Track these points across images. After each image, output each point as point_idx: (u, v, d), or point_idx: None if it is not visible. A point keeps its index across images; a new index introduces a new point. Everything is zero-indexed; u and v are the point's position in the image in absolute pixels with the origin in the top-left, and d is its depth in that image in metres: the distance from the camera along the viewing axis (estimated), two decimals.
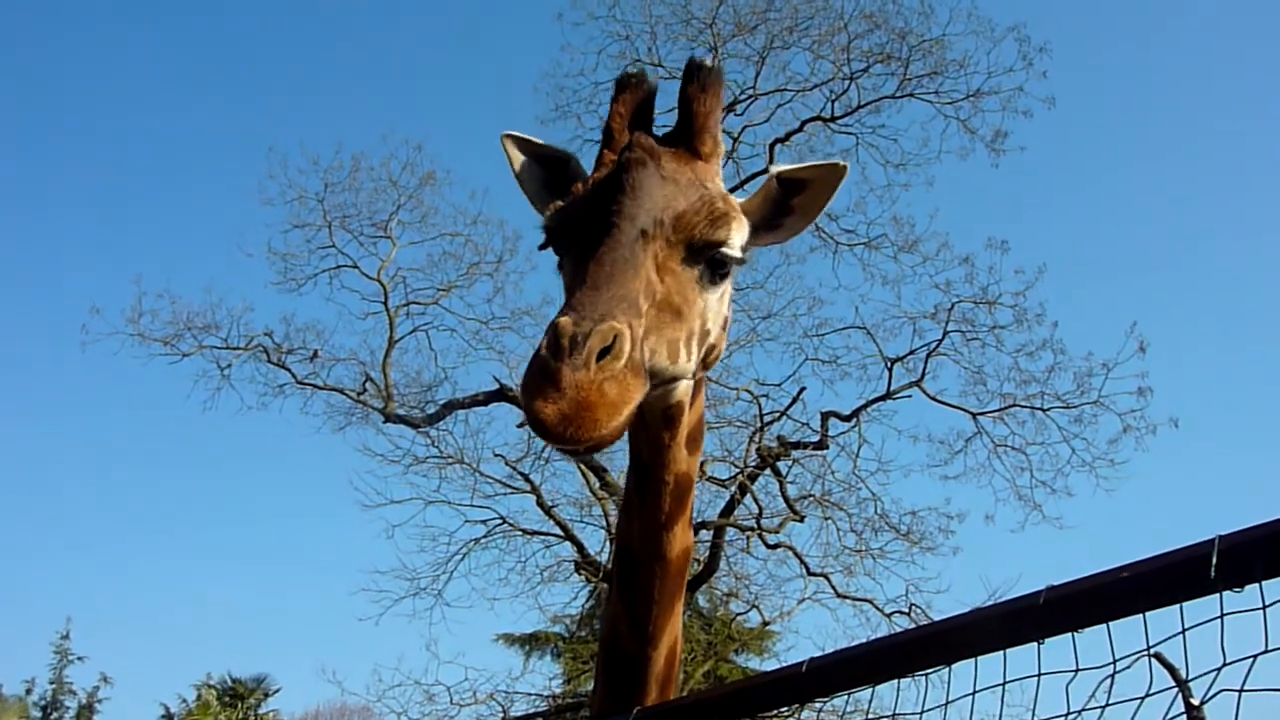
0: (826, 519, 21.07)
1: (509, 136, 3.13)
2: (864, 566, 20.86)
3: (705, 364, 2.83)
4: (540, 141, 3.15)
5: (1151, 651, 2.10)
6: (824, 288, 24.31)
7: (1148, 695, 1.93)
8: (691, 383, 2.84)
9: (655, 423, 2.95)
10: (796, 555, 21.09)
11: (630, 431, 3.08)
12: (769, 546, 21.16)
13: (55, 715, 38.87)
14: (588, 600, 23.48)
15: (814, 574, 21.01)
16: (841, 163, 3.03)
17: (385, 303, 22.08)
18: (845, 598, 20.88)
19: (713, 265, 2.71)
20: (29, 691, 38.28)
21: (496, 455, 21.58)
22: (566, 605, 23.60)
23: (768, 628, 24.32)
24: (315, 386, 22.10)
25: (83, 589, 61.60)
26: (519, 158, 3.12)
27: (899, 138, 21.61)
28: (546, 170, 3.11)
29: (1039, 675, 2.06)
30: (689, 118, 2.84)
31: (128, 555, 66.34)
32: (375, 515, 25.10)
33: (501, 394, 21.01)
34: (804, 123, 21.40)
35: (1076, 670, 2.01)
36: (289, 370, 21.97)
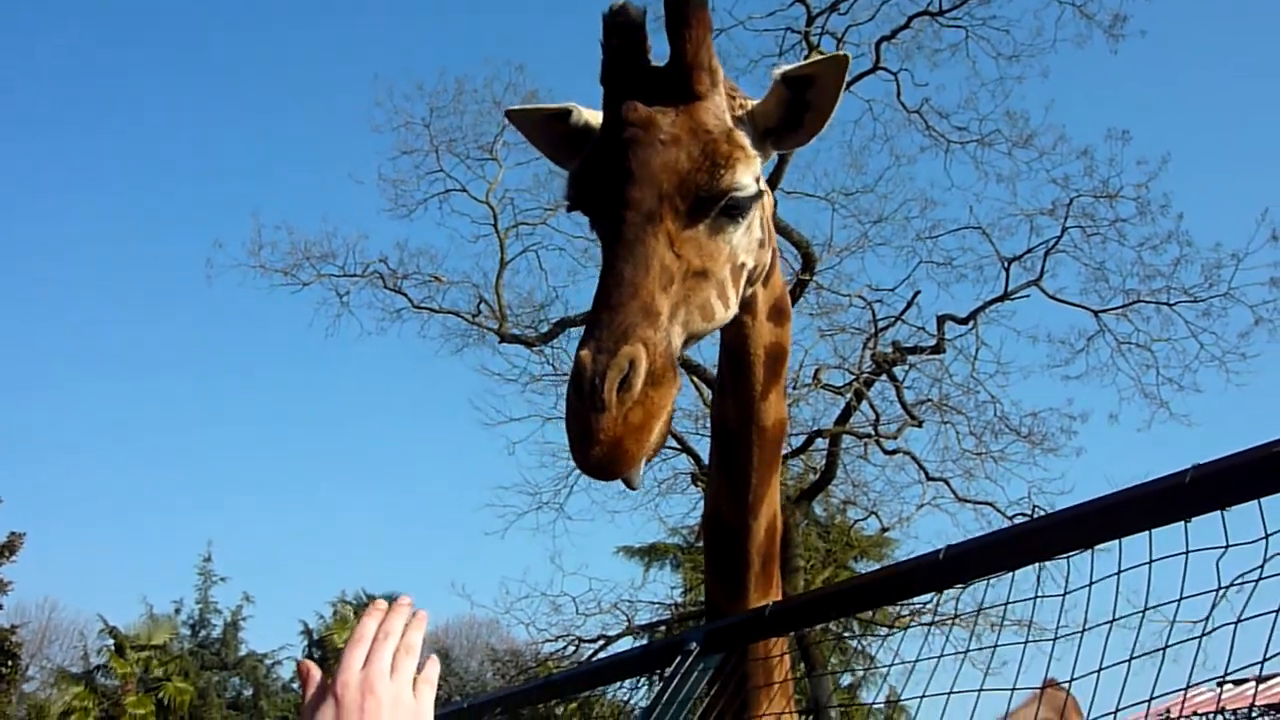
0: (945, 423, 20.90)
1: (510, 113, 3.23)
2: (984, 470, 20.70)
3: (751, 281, 2.89)
4: (535, 107, 3.22)
5: None
6: (936, 188, 23.74)
7: None
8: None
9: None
10: (915, 460, 21.00)
11: None
12: (887, 453, 21.10)
13: (203, 633, 41.02)
14: None
15: (933, 479, 20.91)
16: (845, 54, 3.01)
17: (495, 225, 22.33)
18: (965, 501, 20.76)
19: (728, 211, 2.70)
20: (177, 611, 40.46)
21: None
22: (685, 516, 23.96)
23: (886, 534, 24.34)
24: (431, 310, 22.55)
25: (222, 513, 64.54)
26: (527, 129, 3.19)
27: (1011, 28, 20.87)
28: (556, 128, 3.12)
29: (1186, 553, 2.04)
30: (680, 56, 2.72)
31: (264, 480, 69.15)
32: (496, 433, 25.72)
33: None
34: (910, 18, 20.76)
35: (1227, 546, 1.98)
36: (405, 295, 22.45)
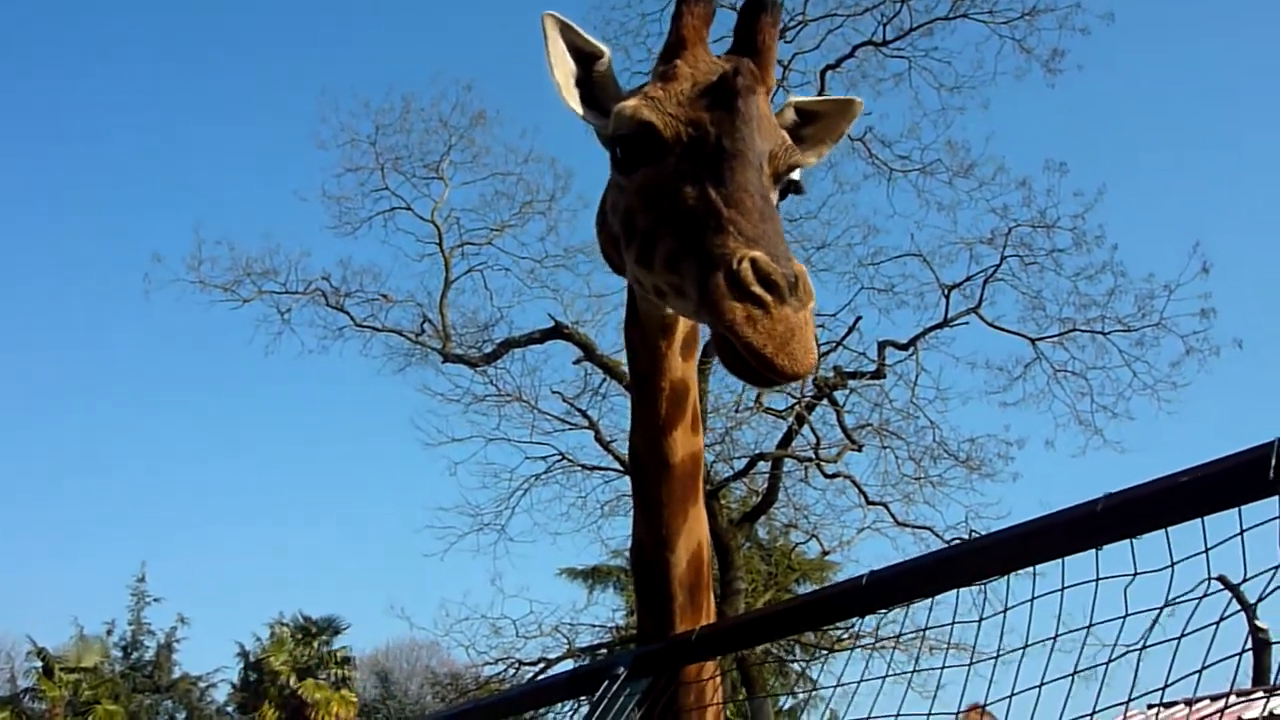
0: (885, 448, 21.11)
1: (550, 16, 3.07)
2: (923, 494, 20.93)
3: None
4: (581, 31, 3.12)
5: (1215, 576, 2.11)
6: (879, 215, 24.15)
7: (1218, 619, 1.95)
8: None
9: (653, 332, 3.13)
10: (855, 485, 21.17)
11: (627, 343, 3.28)
12: (827, 476, 21.25)
13: (136, 654, 40.22)
14: None
15: (873, 503, 21.09)
16: (858, 99, 3.10)
17: (440, 244, 22.26)
18: (905, 526, 20.98)
19: (780, 194, 2.84)
20: (109, 632, 39.65)
21: (554, 392, 21.84)
22: (627, 539, 23.87)
23: (827, 557, 24.47)
24: (374, 329, 22.41)
25: (155, 534, 63.37)
26: (557, 42, 3.07)
27: (952, 60, 21.28)
28: (579, 59, 3.11)
29: (1096, 580, 2.09)
30: (756, 49, 2.85)
31: (198, 500, 68.02)
32: (437, 454, 25.57)
33: (558, 331, 21.15)
34: (855, 48, 21.08)
35: (1134, 574, 2.03)
36: (348, 313, 22.29)
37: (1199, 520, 2.01)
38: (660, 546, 3.21)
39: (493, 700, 4.42)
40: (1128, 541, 2.11)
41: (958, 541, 19.81)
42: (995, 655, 2.36)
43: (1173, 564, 1.98)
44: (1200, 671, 1.93)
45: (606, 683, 3.17)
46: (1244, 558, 1.98)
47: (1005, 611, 2.24)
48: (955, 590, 2.45)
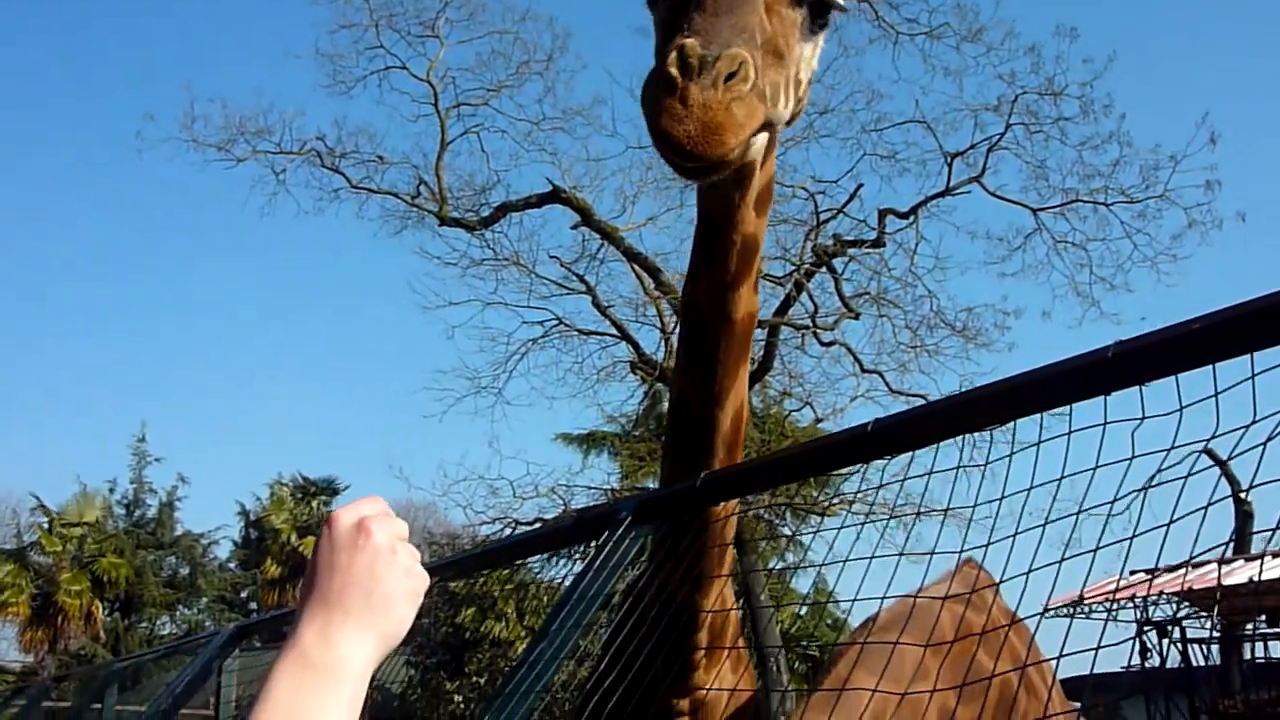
0: (882, 316, 21.15)
1: None
2: (918, 363, 21.03)
3: (790, 119, 2.86)
4: None
5: (1204, 449, 2.13)
6: (883, 81, 23.76)
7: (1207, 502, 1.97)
8: (766, 139, 2.83)
9: (726, 181, 2.95)
10: (851, 353, 21.28)
11: (699, 192, 3.15)
12: (823, 344, 21.33)
13: (138, 512, 40.88)
14: (643, 400, 23.95)
15: (868, 371, 21.23)
16: None
17: (435, 104, 21.81)
18: (899, 394, 21.10)
19: (814, 10, 2.75)
20: (111, 490, 40.18)
21: (552, 257, 21.75)
22: (622, 404, 24.13)
23: (820, 425, 24.70)
24: (369, 190, 22.13)
25: (156, 394, 63.78)
26: None
27: None
28: None
29: (1104, 424, 2.11)
30: None
31: (197, 362, 68.30)
32: (435, 317, 25.58)
33: (555, 195, 20.94)
34: None
35: (1143, 418, 2.05)
36: (343, 174, 21.98)
37: (1210, 367, 2.02)
38: (710, 404, 3.18)
39: (498, 545, 4.51)
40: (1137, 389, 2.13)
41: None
42: (975, 511, 2.38)
43: (1181, 408, 2.00)
44: (1195, 542, 1.96)
45: (611, 528, 3.22)
46: (1254, 402, 1.99)
47: (1011, 455, 2.26)
48: (958, 455, 2.48)
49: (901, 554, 2.68)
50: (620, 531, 3.16)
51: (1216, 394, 1.95)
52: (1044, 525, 2.28)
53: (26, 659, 34.89)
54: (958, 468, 2.44)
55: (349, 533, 1.19)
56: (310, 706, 1.09)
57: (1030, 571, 2.24)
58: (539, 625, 3.15)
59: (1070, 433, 2.15)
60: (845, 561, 2.77)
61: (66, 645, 34.20)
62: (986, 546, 2.42)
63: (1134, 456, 2.01)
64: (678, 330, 3.32)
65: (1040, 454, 2.28)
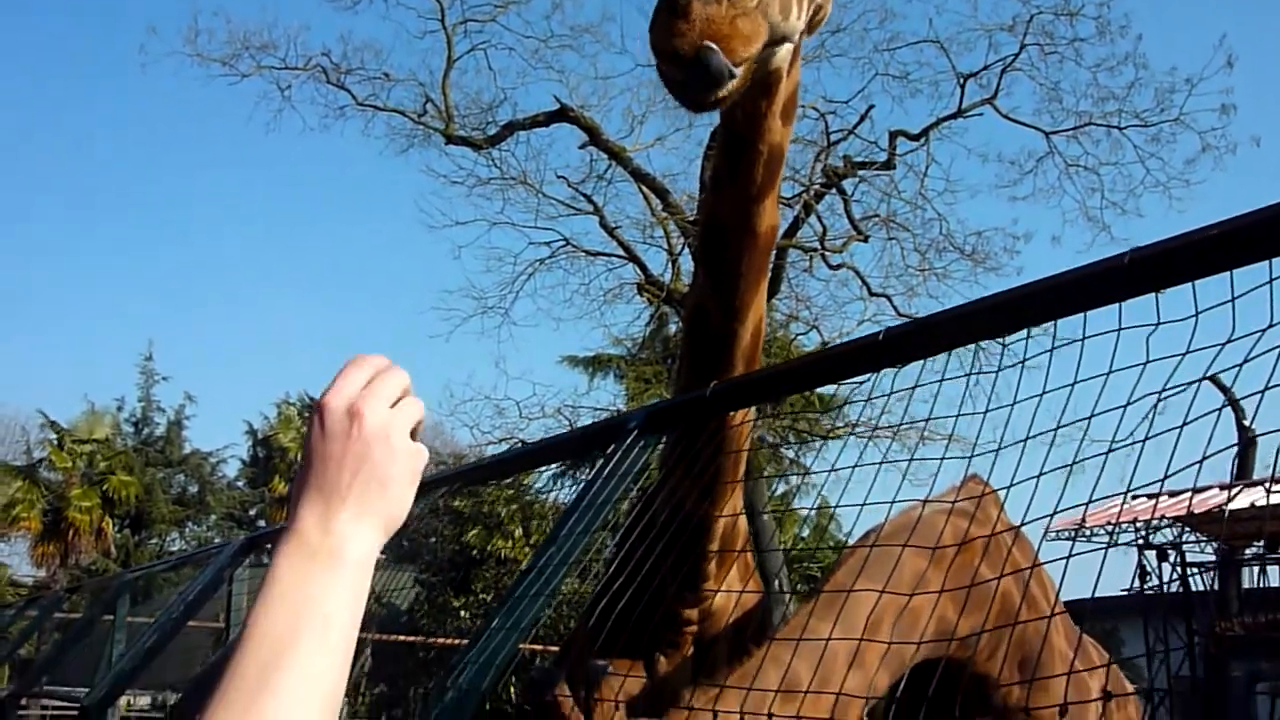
0: (890, 239, 21.04)
1: None
2: (926, 287, 20.97)
3: (811, 26, 2.78)
4: None
5: (1208, 376, 2.11)
6: None
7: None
8: (792, 48, 2.78)
9: (752, 90, 2.87)
10: (859, 276, 21.21)
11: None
12: (831, 267, 21.24)
13: (146, 430, 41.14)
14: (650, 322, 23.94)
15: (875, 295, 21.18)
16: None
17: (442, 20, 21.48)
18: (906, 318, 21.05)
19: None
20: (120, 408, 40.39)
21: (559, 177, 21.60)
22: (629, 326, 24.13)
23: (827, 349, 24.67)
24: (375, 108, 21.91)
25: (162, 312, 63.87)
26: None
27: None
28: None
29: (1119, 330, 2.09)
30: None
31: (205, 278, 68.26)
32: (441, 236, 25.44)
33: (563, 114, 20.71)
34: None
35: (1158, 324, 2.03)
36: (349, 91, 21.75)
37: (1228, 274, 2.00)
38: (730, 317, 3.18)
39: (507, 455, 4.53)
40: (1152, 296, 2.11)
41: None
42: (984, 422, 2.37)
43: (1197, 313, 1.98)
44: (1200, 469, 1.95)
45: (618, 439, 3.22)
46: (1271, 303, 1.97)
47: (1023, 363, 2.25)
48: (964, 383, 2.46)
49: (904, 476, 2.69)
50: (629, 442, 3.16)
51: (1234, 298, 1.93)
52: (1050, 444, 2.27)
53: (39, 573, 35.40)
54: (967, 375, 2.43)
55: (340, 420, 1.16)
56: (316, 592, 1.07)
57: (1034, 481, 2.23)
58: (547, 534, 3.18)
59: (1084, 338, 2.14)
60: (847, 484, 2.77)
61: (78, 560, 34.67)
62: (991, 466, 2.42)
63: (1148, 361, 1.99)
64: (697, 243, 3.29)
65: (1049, 375, 2.27)
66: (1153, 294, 2.10)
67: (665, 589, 3.28)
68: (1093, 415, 2.12)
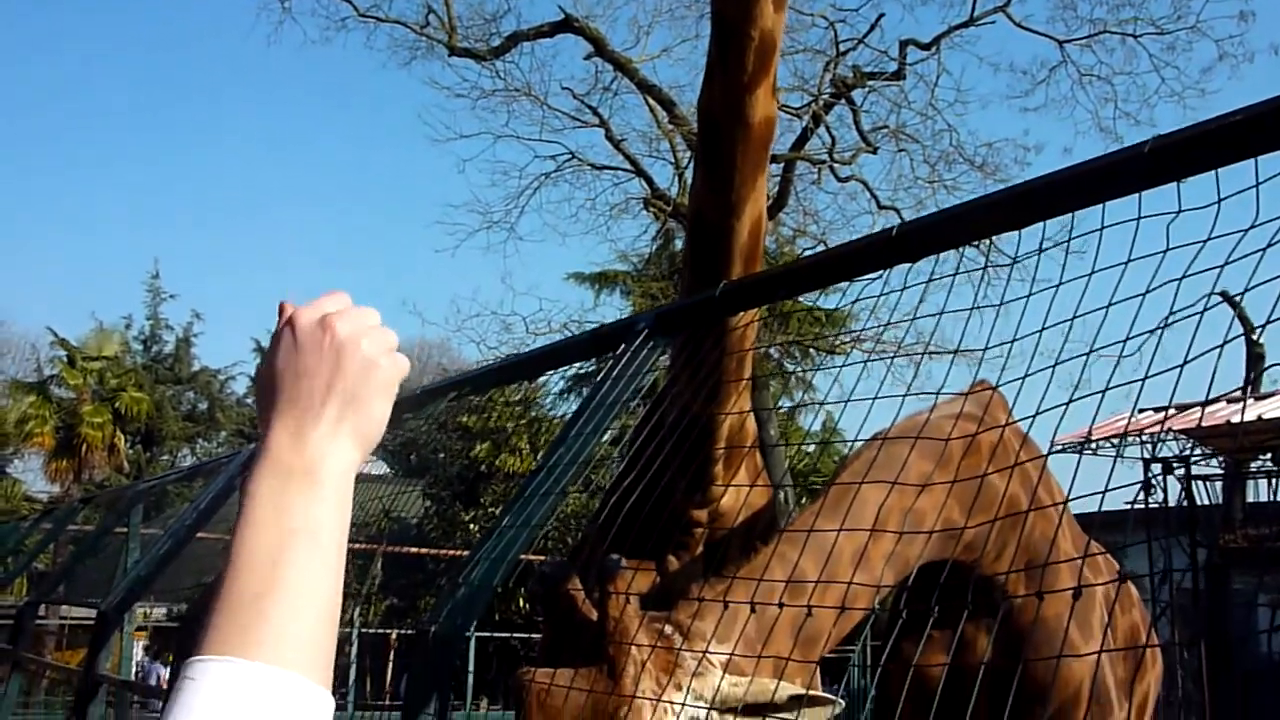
0: (900, 151, 20.83)
1: None
2: (935, 199, 20.82)
3: None
4: None
5: (1218, 292, 2.06)
6: None
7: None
8: None
9: None
10: (867, 188, 21.04)
11: None
12: (840, 180, 21.08)
13: (155, 348, 41.29)
14: (656, 236, 23.83)
15: (884, 207, 21.03)
16: None
17: None
18: None
19: None
20: (128, 326, 40.51)
21: (564, 89, 21.33)
22: (635, 241, 24.02)
23: (838, 246, 24.52)
24: (376, 19, 21.58)
25: (168, 230, 63.67)
26: None
27: None
28: None
29: (1138, 219, 2.05)
30: None
31: (210, 196, 67.93)
32: (446, 151, 25.26)
33: (567, 24, 20.37)
34: None
35: (1179, 211, 1.99)
36: (350, 2, 21.39)
37: (1251, 161, 1.95)
38: (726, 213, 3.12)
39: (516, 359, 4.52)
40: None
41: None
42: (1002, 359, 2.33)
43: (1219, 200, 1.94)
44: (1212, 384, 1.92)
45: (629, 339, 3.20)
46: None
47: (1040, 251, 2.21)
48: (972, 293, 2.42)
49: (908, 388, 2.66)
50: (638, 343, 3.14)
51: (1258, 184, 1.89)
52: (1056, 355, 2.24)
53: (53, 489, 35.79)
54: (986, 268, 2.39)
55: (311, 332, 1.10)
56: (295, 512, 1.01)
57: (1040, 394, 2.21)
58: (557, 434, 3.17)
59: (1102, 228, 2.10)
60: (852, 392, 2.73)
61: (91, 476, 35.03)
62: (997, 379, 2.39)
63: (1167, 249, 1.96)
64: (696, 141, 3.22)
65: (1063, 273, 2.23)
66: (1174, 183, 2.06)
67: (674, 490, 3.29)
68: (1104, 321, 2.09)
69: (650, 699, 2.53)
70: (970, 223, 2.42)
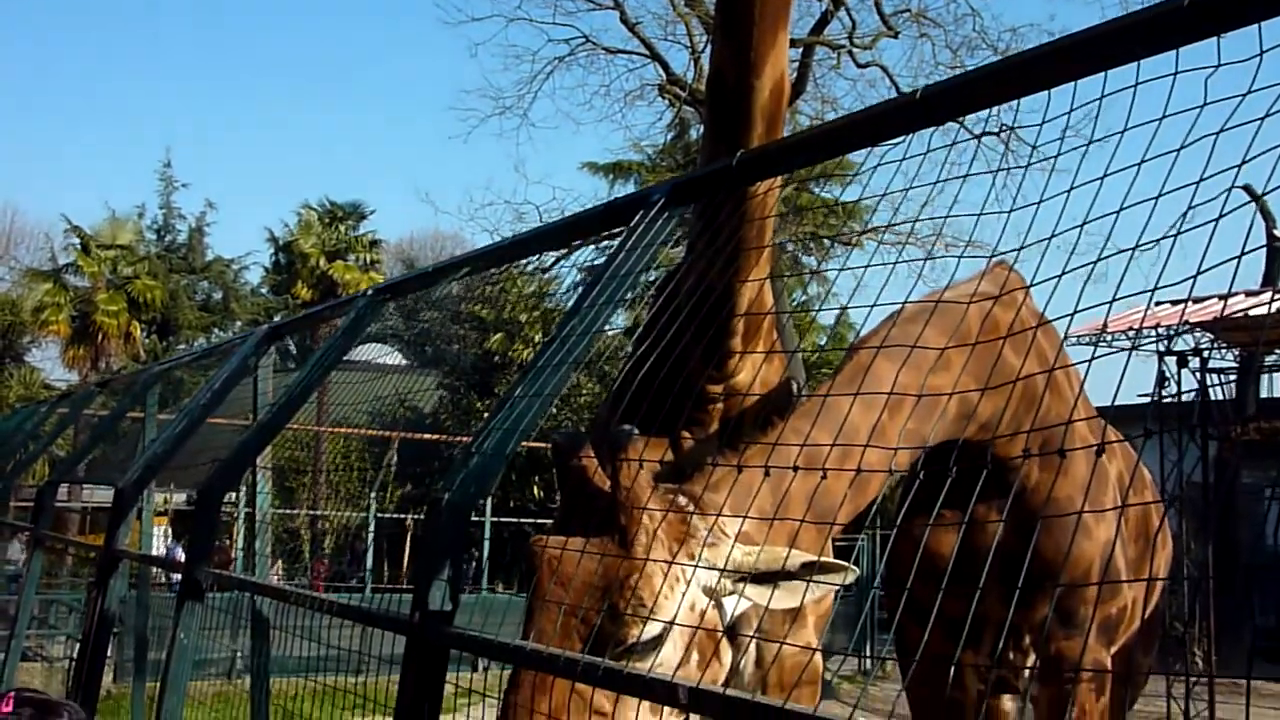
0: (922, 36, 20.40)
1: None
2: None
3: None
4: None
5: (1241, 186, 1.98)
6: None
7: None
8: None
9: None
10: (887, 74, 20.67)
11: None
12: (859, 65, 20.68)
13: (169, 237, 41.22)
14: (671, 123, 23.51)
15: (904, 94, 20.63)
16: None
17: None
18: None
19: None
20: (141, 215, 40.38)
21: None
22: (650, 128, 23.71)
23: (859, 110, 24.16)
24: None
25: (179, 118, 62.98)
26: None
27: None
28: None
29: (1175, 74, 1.97)
30: None
31: (220, 83, 67.04)
32: (458, 33, 24.82)
33: None
34: None
35: (1218, 65, 1.91)
36: None
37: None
38: (745, 72, 3.03)
39: (531, 234, 4.47)
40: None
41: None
42: (1019, 248, 2.26)
43: (1261, 53, 1.86)
44: (1235, 277, 1.85)
45: (643, 210, 3.14)
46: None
47: (1069, 113, 2.14)
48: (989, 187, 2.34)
49: (919, 276, 2.60)
50: (653, 214, 3.08)
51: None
52: (1074, 244, 2.16)
53: (71, 377, 36.10)
54: (1012, 128, 2.31)
55: None
56: None
57: (1055, 281, 2.14)
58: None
59: (1137, 84, 2.02)
60: (861, 281, 2.68)
61: (108, 364, 35.29)
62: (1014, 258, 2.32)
63: (1204, 104, 1.88)
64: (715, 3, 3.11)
65: (1088, 151, 2.15)
66: (1214, 38, 1.98)
67: (690, 364, 3.26)
68: (1117, 219, 2.01)
69: (662, 561, 2.53)
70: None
